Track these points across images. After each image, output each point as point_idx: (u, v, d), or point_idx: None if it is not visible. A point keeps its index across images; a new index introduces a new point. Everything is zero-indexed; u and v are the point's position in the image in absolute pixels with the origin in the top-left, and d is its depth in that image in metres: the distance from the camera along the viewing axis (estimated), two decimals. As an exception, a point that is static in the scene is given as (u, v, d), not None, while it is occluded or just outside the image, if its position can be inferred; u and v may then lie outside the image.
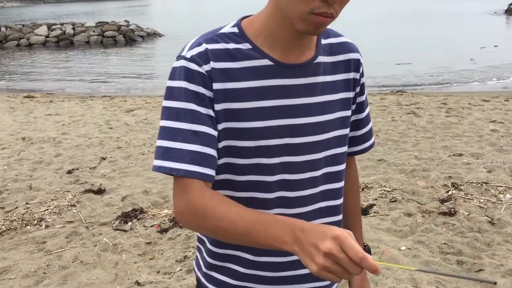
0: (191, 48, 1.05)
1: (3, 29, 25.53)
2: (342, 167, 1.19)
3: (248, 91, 1.05)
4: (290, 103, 1.08)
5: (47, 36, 24.76)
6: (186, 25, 32.10)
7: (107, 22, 26.91)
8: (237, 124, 1.05)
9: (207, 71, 1.03)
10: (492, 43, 16.60)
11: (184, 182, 1.01)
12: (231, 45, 1.06)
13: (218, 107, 1.04)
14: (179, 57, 1.06)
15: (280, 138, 1.08)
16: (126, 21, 27.78)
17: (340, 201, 1.22)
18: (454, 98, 8.65)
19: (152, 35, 26.70)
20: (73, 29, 25.40)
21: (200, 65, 1.03)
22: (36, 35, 24.84)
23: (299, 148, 1.10)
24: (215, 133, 1.04)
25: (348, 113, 1.18)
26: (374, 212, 3.99)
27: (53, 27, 25.84)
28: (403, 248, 3.41)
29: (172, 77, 1.05)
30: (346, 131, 1.19)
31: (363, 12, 32.12)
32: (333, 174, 1.17)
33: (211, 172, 1.02)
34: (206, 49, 1.04)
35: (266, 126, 1.07)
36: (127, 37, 24.89)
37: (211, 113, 1.04)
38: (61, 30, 25.24)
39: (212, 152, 1.03)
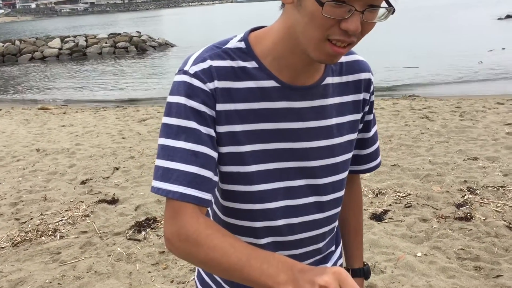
0: (195, 63, 0.98)
1: (17, 42, 25.87)
2: (344, 192, 1.17)
3: (252, 113, 1.00)
4: (295, 126, 1.03)
5: (60, 49, 25.06)
6: (196, 35, 32.33)
7: (119, 33, 27.20)
8: (239, 148, 1.01)
9: (211, 89, 0.97)
10: (499, 46, 16.35)
11: (177, 205, 0.94)
12: (237, 63, 1.00)
13: (220, 129, 0.99)
14: (181, 71, 0.98)
15: (282, 161, 1.04)
16: (137, 32, 28.08)
17: (337, 222, 1.22)
18: (468, 101, 8.55)
19: (164, 45, 26.93)
20: (86, 41, 25.71)
21: (204, 83, 0.97)
22: (50, 47, 25.17)
23: (302, 172, 1.06)
24: (215, 154, 0.98)
25: (355, 135, 1.14)
26: (389, 218, 3.95)
27: (66, 39, 26.18)
28: (419, 254, 3.36)
29: (172, 92, 0.98)
30: (351, 154, 1.15)
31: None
32: (338, 199, 1.15)
33: (207, 196, 0.96)
34: (211, 66, 0.98)
35: (268, 149, 1.02)
36: (139, 48, 25.14)
37: (212, 133, 0.98)
38: (74, 42, 25.55)
39: (211, 175, 0.96)
